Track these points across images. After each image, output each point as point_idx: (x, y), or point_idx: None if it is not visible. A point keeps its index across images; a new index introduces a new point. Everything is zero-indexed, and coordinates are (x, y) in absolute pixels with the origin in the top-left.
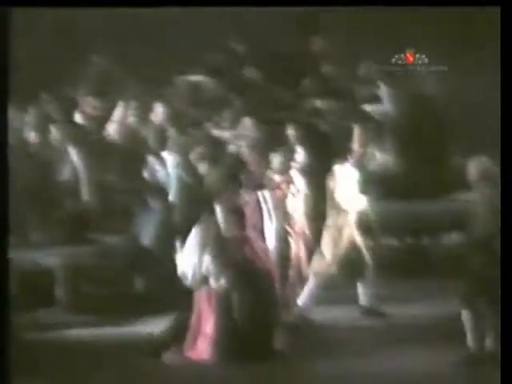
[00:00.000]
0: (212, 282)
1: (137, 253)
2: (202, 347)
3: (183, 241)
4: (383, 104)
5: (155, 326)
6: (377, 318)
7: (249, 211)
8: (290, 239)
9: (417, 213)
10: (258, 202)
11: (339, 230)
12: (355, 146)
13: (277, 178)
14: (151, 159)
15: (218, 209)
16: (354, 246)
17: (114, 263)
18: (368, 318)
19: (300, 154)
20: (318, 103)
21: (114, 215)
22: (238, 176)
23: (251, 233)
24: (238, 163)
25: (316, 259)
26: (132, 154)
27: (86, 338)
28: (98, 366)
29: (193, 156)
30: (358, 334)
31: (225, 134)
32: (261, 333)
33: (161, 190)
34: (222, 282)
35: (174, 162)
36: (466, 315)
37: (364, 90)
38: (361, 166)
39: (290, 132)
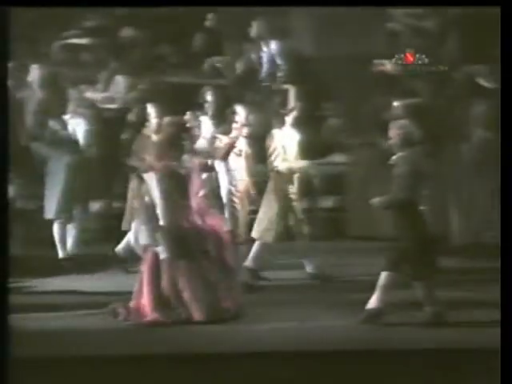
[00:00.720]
0: (150, 250)
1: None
2: (144, 311)
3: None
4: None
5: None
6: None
7: (193, 177)
8: (235, 200)
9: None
10: (206, 167)
11: (279, 193)
12: (292, 106)
13: (222, 138)
14: (52, 123)
15: (149, 177)
16: (290, 210)
17: None
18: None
19: (240, 115)
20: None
21: None
22: (180, 141)
23: (195, 199)
24: (180, 128)
25: (257, 222)
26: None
27: None
28: None
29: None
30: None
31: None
32: (200, 298)
33: (61, 155)
34: (159, 250)
35: (75, 125)
36: (386, 276)
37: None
38: (300, 127)
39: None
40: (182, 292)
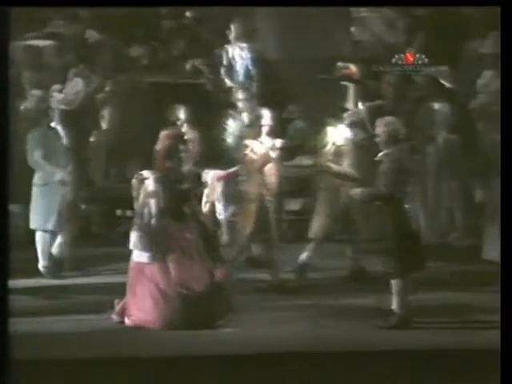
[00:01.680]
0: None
1: None
2: (138, 314)
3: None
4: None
5: None
6: None
7: (193, 188)
8: (267, 204)
9: None
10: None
11: (335, 191)
12: (349, 105)
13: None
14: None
15: (148, 185)
16: (351, 206)
17: None
18: None
19: (266, 117)
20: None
21: None
22: (178, 153)
23: (192, 208)
24: (177, 139)
25: (314, 221)
26: None
27: None
28: None
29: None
30: None
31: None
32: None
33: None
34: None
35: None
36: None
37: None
38: (357, 126)
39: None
40: (143, 296)
